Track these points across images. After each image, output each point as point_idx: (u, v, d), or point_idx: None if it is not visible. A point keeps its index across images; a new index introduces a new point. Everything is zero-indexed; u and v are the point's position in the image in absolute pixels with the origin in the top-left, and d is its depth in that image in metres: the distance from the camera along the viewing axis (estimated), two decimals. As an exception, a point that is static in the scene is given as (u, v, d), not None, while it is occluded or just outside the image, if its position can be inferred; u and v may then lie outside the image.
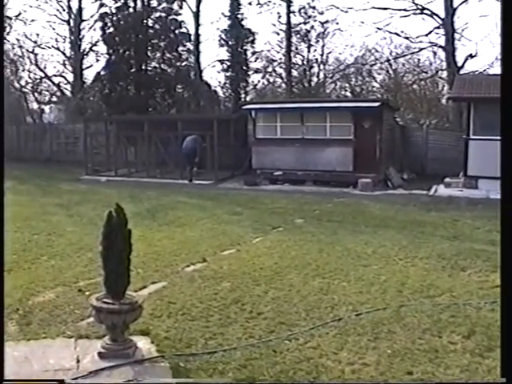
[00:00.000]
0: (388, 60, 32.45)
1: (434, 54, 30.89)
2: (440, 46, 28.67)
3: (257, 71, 32.64)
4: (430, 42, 29.31)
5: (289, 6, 30.24)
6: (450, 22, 27.13)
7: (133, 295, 5.29)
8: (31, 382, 4.89)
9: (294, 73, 32.46)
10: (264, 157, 19.79)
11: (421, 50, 30.31)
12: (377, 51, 32.70)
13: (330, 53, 33.58)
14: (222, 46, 28.93)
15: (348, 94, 34.06)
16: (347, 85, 34.50)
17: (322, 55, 32.99)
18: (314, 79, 33.76)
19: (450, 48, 27.25)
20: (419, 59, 32.03)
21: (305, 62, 32.67)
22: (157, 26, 27.58)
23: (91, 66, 37.02)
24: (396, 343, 5.53)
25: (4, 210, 5.20)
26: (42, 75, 38.19)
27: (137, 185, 19.37)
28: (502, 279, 4.94)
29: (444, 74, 29.95)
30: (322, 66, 33.58)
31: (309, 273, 7.99)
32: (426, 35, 28.81)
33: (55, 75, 38.44)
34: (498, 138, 5.45)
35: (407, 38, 30.10)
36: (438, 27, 28.08)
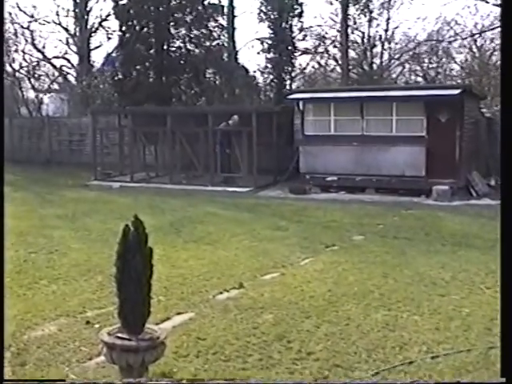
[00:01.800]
0: (472, 35, 32.06)
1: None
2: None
3: (305, 52, 32.74)
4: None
5: (344, -30, 30.21)
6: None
7: (153, 329, 5.32)
8: (32, 381, 5.14)
9: (352, 53, 32.47)
10: (314, 158, 19.76)
11: (517, 19, 29.74)
12: (457, 24, 32.38)
13: (396, 28, 33.64)
14: (262, 20, 29.02)
15: (419, 79, 33.94)
16: (418, 68, 34.36)
17: (386, 31, 32.99)
18: (377, 61, 33.71)
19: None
20: (514, 32, 31.49)
21: (365, 40, 32.66)
22: (181, -4, 27.81)
23: (100, 45, 37.61)
24: (484, 396, 5.46)
25: (4, 212, 5.33)
26: (40, 57, 38.83)
27: (157, 192, 19.55)
28: (501, 279, 5.10)
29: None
30: (386, 45, 33.54)
31: (371, 303, 7.96)
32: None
33: (56, 57, 39.03)
34: None
35: (498, 6, 29.48)
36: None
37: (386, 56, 33.93)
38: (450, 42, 32.59)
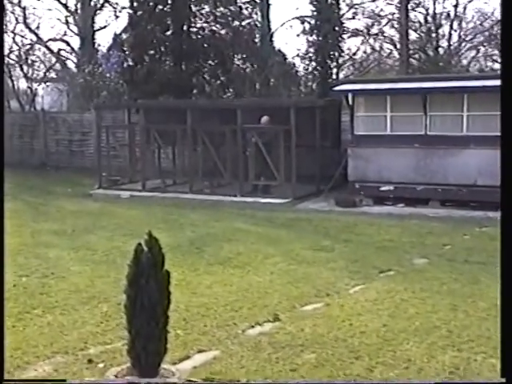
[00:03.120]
0: None
1: None
2: None
3: (356, 33, 32.67)
4: None
5: None
6: None
7: (170, 370, 5.34)
8: (32, 381, 5.52)
9: (413, 35, 32.37)
10: (366, 163, 19.68)
11: None
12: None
13: (469, 2, 33.39)
14: (302, -6, 29.08)
15: (497, 65, 33.66)
16: (496, 52, 34.12)
17: (455, 6, 32.87)
18: (444, 44, 33.58)
19: None
20: None
21: (429, 19, 32.53)
22: (204, -35, 27.90)
23: (107, 25, 37.82)
24: None
25: (4, 217, 5.43)
26: (34, 39, 39.14)
27: (175, 203, 19.64)
28: (501, 279, 5.60)
29: None
30: (455, 24, 33.38)
31: (436, 341, 7.93)
32: None
33: (53, 39, 39.33)
34: None
35: None
36: None
37: (455, 38, 33.85)
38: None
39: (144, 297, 5.06)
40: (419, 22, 32.67)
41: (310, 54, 28.93)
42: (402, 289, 10.24)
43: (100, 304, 9.33)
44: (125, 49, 28.68)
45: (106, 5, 36.90)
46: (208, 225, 16.09)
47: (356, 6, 31.15)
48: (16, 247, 13.04)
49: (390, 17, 32.81)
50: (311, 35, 28.71)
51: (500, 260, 5.52)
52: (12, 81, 39.23)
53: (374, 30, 33.80)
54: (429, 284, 10.58)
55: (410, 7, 30.70)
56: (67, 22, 38.21)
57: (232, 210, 18.56)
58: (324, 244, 13.82)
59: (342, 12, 29.28)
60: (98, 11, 36.92)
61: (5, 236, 5.68)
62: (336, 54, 29.03)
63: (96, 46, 36.72)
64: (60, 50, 39.51)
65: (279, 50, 31.07)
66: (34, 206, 19.17)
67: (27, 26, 38.27)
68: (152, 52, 27.36)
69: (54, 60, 40.21)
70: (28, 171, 27.72)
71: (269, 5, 30.48)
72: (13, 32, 38.24)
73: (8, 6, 37.18)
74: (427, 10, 32.19)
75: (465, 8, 33.05)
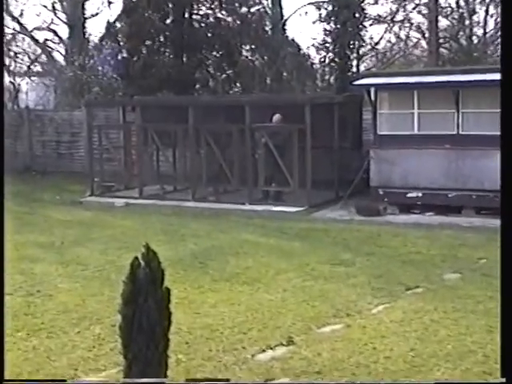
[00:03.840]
0: None
1: None
2: None
3: (379, 20, 32.62)
4: None
5: None
6: None
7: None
8: (32, 381, 5.96)
9: (443, 22, 32.28)
10: (391, 167, 19.63)
11: None
12: None
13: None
14: (318, -23, 29.07)
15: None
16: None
17: (491, -10, 32.79)
18: (478, 32, 33.50)
19: None
20: None
21: (462, 3, 32.48)
22: None
23: (99, 12, 37.84)
24: None
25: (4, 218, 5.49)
26: (17, 28, 39.13)
27: (175, 212, 19.66)
28: (501, 279, 5.82)
29: None
30: (491, 9, 33.31)
31: (471, 368, 7.89)
32: None
33: (39, 28, 39.30)
34: None
35: None
36: None
37: (491, 25, 33.74)
38: None
39: (142, 317, 5.05)
40: (450, 7, 32.59)
41: (327, 44, 28.89)
42: (432, 308, 10.22)
43: (92, 326, 9.33)
44: (119, 39, 28.70)
45: (98, -10, 36.96)
46: (212, 236, 16.08)
47: (379, -10, 31.19)
48: (-3, 262, 13.08)
49: (418, 1, 32.78)
50: (328, 23, 28.65)
51: (500, 261, 5.72)
52: (-8, 75, 39.30)
53: (400, 17, 33.84)
54: (462, 303, 10.55)
55: (439, -9, 30.71)
56: (54, 9, 38.12)
57: (239, 219, 18.58)
58: (343, 257, 13.81)
59: (363, -3, 29.26)
60: (89, -4, 36.98)
61: (5, 236, 5.73)
62: (356, 43, 28.99)
63: (87, 35, 36.60)
64: (46, 40, 39.50)
65: (292, 40, 31.00)
66: (19, 215, 19.11)
67: (9, 14, 38.19)
68: (150, 42, 27.41)
69: (39, 51, 40.19)
70: (10, 176, 27.52)
71: (280, -11, 30.51)
72: (-7, 20, 38.24)
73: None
74: (459, -6, 32.25)
75: (502, -9, 32.99)
